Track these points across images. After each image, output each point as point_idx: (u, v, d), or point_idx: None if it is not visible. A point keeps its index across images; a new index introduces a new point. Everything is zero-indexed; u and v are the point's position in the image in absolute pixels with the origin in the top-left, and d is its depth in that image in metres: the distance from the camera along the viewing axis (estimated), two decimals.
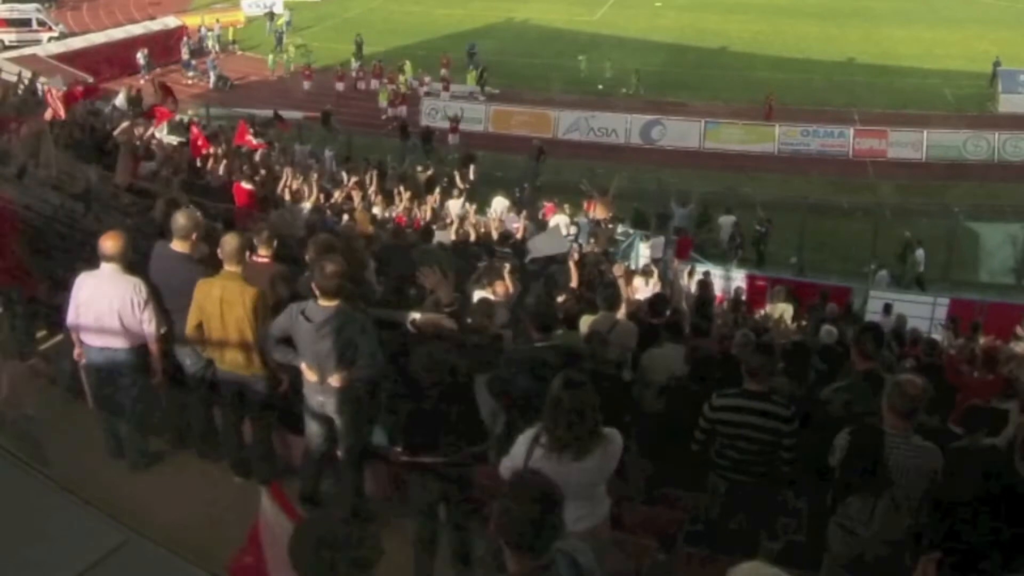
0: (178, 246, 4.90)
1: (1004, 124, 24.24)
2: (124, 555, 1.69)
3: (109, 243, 4.62)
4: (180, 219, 4.91)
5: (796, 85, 27.42)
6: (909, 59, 29.52)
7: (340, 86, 28.50)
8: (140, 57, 30.30)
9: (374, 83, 28.26)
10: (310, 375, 4.49)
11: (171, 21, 34.16)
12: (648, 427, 5.33)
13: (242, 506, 4.72)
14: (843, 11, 35.54)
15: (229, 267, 4.64)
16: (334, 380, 4.43)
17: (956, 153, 23.15)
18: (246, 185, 9.49)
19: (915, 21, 33.92)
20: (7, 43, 30.67)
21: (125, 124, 11.10)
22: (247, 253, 4.88)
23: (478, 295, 6.58)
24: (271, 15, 35.27)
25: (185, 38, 31.97)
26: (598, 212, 16.02)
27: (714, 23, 34.71)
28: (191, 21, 34.77)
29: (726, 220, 18.51)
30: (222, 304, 4.57)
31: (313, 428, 4.66)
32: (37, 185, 7.38)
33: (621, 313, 6.18)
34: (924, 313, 13.89)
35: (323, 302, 4.37)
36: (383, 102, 26.56)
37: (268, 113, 24.94)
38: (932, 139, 23.32)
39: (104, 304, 4.65)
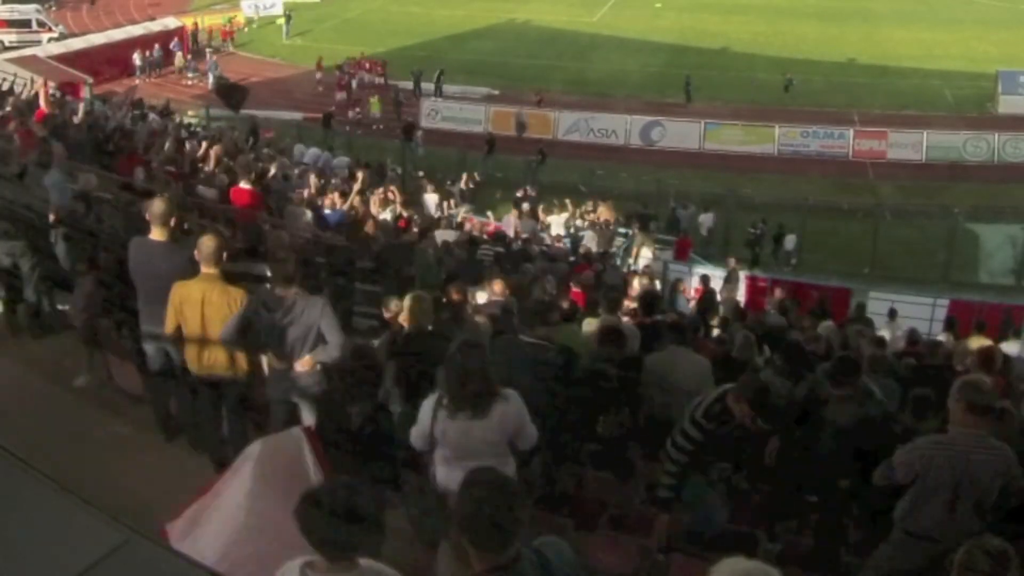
0: (156, 234, 4.75)
1: (1004, 125, 24.22)
2: (124, 555, 1.68)
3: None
4: (157, 205, 4.76)
5: (796, 85, 27.40)
6: (909, 60, 29.52)
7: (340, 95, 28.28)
8: (136, 58, 30.38)
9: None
10: (276, 363, 4.48)
11: (171, 22, 34.15)
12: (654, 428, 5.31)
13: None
14: (843, 11, 35.54)
15: (207, 269, 4.50)
16: (300, 365, 4.41)
17: (956, 154, 23.13)
18: (245, 185, 9.38)
19: (915, 22, 33.92)
20: (7, 44, 30.69)
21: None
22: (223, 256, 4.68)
23: (480, 296, 6.58)
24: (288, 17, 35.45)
25: (155, 45, 31.76)
26: (602, 214, 16.13)
27: (714, 24, 34.70)
28: (191, 21, 34.75)
29: (706, 217, 18.60)
30: (203, 306, 4.46)
31: (279, 416, 4.63)
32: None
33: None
34: (924, 314, 13.83)
35: (281, 290, 4.40)
36: (376, 111, 26.33)
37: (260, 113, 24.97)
38: (932, 140, 23.30)
39: None
